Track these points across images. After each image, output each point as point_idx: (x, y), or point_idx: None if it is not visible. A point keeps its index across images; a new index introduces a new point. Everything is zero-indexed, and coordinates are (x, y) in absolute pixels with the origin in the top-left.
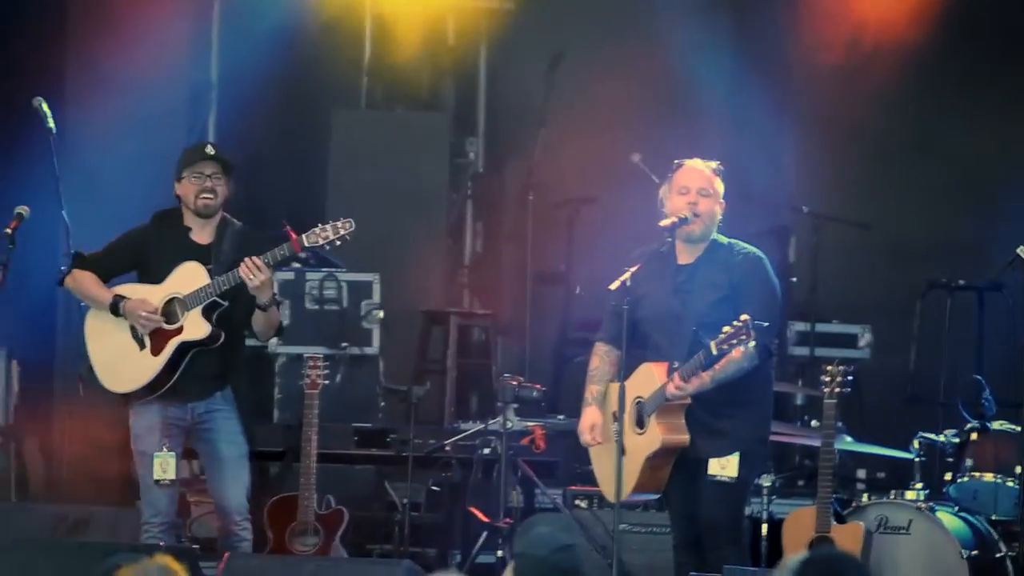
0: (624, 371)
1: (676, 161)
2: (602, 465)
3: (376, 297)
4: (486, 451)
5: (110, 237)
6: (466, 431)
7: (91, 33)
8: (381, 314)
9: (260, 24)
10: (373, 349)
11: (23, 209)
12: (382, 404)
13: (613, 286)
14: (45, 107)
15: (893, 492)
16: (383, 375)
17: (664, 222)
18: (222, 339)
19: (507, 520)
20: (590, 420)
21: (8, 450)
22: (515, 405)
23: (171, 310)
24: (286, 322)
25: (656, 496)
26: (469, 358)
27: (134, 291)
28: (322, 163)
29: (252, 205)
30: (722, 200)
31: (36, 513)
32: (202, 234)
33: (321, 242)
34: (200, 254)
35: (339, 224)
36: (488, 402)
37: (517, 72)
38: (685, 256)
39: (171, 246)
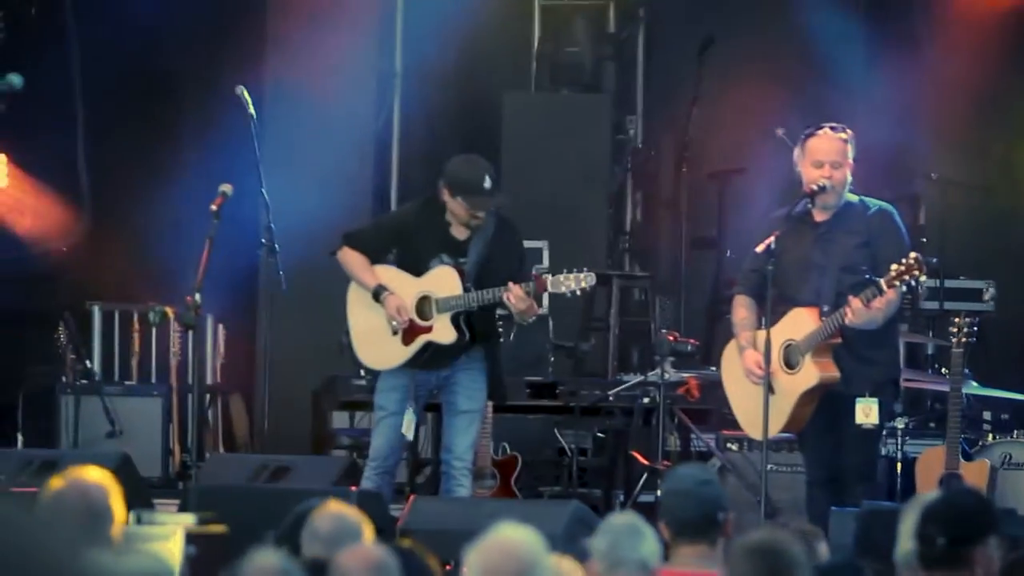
0: (769, 320)
1: (808, 129)
2: (749, 406)
3: (545, 262)
4: (646, 400)
5: (305, 212)
6: (628, 382)
7: (287, 24)
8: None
9: (439, 16)
10: (543, 309)
11: (226, 187)
12: (552, 359)
13: (759, 248)
14: (246, 94)
15: (1016, 431)
16: (552, 333)
17: (804, 191)
18: (467, 340)
19: (665, 463)
20: (754, 358)
21: (216, 406)
22: (671, 358)
23: (424, 307)
24: None
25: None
26: (630, 316)
27: (393, 280)
28: (495, 142)
29: (435, 182)
30: (851, 162)
31: (240, 462)
32: (461, 228)
33: (563, 290)
34: (457, 248)
35: (582, 276)
36: (647, 356)
37: (671, 55)
38: (821, 215)
39: (431, 237)
